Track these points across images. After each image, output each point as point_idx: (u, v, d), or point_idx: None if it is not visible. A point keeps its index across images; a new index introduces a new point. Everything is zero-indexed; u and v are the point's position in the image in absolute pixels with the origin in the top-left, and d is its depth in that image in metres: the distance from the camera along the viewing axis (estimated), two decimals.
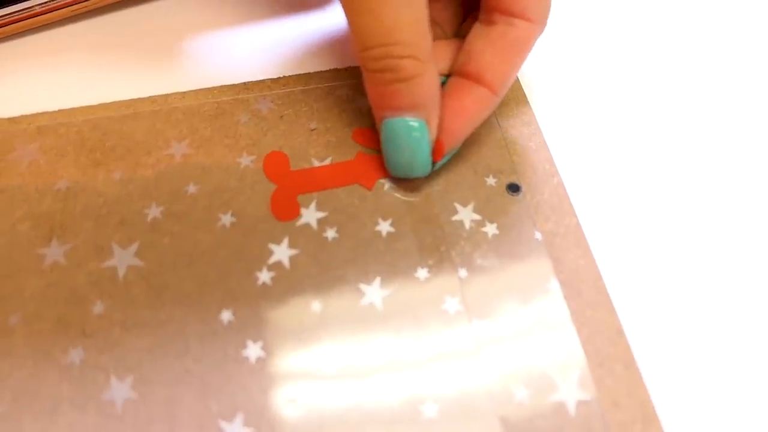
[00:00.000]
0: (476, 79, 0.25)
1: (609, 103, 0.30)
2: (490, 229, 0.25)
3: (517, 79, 0.29)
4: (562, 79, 0.30)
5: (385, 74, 0.23)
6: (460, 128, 0.25)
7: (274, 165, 0.26)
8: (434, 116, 0.24)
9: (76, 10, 0.29)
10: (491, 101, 0.25)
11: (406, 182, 0.26)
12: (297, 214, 0.25)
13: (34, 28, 0.29)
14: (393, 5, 0.22)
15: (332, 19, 0.32)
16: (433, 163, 0.25)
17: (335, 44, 0.30)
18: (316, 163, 0.26)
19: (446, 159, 0.25)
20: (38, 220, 0.24)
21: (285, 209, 0.25)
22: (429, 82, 0.23)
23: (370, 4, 0.22)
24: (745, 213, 0.27)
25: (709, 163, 0.28)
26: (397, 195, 0.25)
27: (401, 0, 0.22)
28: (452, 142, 0.25)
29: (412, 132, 0.24)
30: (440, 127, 0.24)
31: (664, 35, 0.32)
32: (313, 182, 0.25)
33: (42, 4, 0.29)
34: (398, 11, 0.22)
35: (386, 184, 0.26)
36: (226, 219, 0.25)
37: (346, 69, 0.29)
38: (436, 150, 0.24)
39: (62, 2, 0.29)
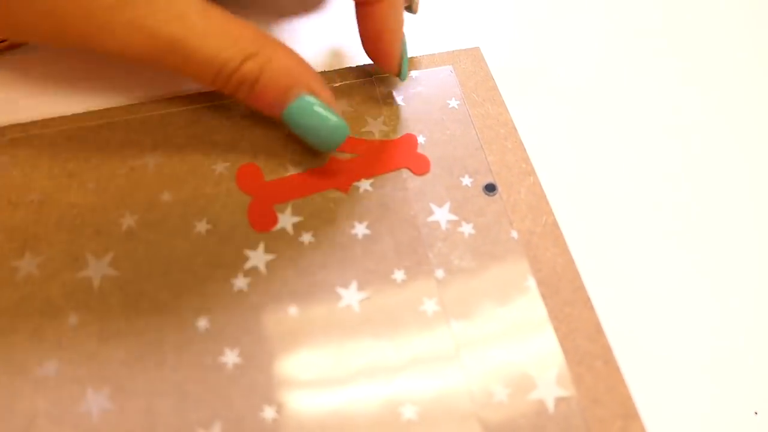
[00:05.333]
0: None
1: (584, 101, 0.30)
2: (467, 229, 0.25)
3: (493, 80, 0.29)
4: (537, 79, 0.30)
5: (242, 88, 0.24)
6: (389, 44, 0.26)
7: (248, 177, 0.25)
8: (312, 80, 0.24)
9: None
10: (397, 4, 0.25)
11: (382, 184, 0.26)
12: (275, 224, 0.25)
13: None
14: (194, 39, 0.22)
15: (308, 24, 0.32)
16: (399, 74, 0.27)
17: (309, 49, 0.30)
18: (291, 169, 0.26)
19: (406, 66, 0.27)
20: (11, 233, 0.24)
21: (262, 220, 0.25)
22: (280, 63, 0.24)
23: (181, 49, 0.23)
24: (719, 209, 0.27)
25: (683, 159, 0.28)
26: (373, 197, 0.25)
27: (198, 28, 0.23)
28: (393, 55, 0.26)
29: (311, 108, 0.24)
30: (372, 55, 0.26)
31: (638, 35, 0.32)
32: (289, 191, 0.25)
33: None
34: (203, 40, 0.23)
35: (362, 187, 0.25)
36: (202, 226, 0.24)
37: (322, 73, 0.29)
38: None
39: None
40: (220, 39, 0.23)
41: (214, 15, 0.23)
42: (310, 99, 0.24)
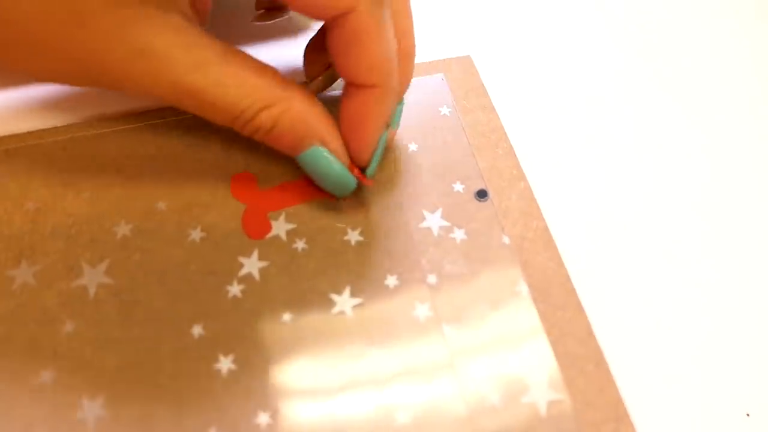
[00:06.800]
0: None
1: (573, 108, 0.30)
2: (459, 234, 0.25)
3: (483, 86, 0.29)
4: (527, 87, 0.31)
5: (258, 133, 0.24)
6: (362, 134, 0.25)
7: (242, 186, 0.26)
8: (325, 131, 0.24)
9: None
10: (384, 97, 0.24)
11: (374, 192, 0.26)
12: (268, 231, 0.25)
13: None
14: (212, 88, 0.23)
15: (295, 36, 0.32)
16: (364, 170, 0.25)
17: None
18: (285, 178, 0.26)
19: (375, 162, 0.25)
20: (7, 242, 0.24)
21: (256, 227, 0.25)
22: (294, 114, 0.24)
23: (200, 98, 0.23)
24: (709, 212, 0.27)
25: (672, 164, 0.28)
26: (366, 204, 0.26)
27: (216, 77, 0.23)
28: (363, 147, 0.25)
29: (320, 156, 0.24)
30: (344, 137, 0.25)
31: (628, 43, 0.33)
32: (283, 199, 0.26)
33: None
34: (221, 89, 0.23)
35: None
36: (196, 234, 0.25)
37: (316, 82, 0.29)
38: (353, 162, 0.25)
39: None
40: (238, 89, 0.23)
41: (234, 62, 0.23)
42: (321, 151, 0.24)
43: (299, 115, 0.24)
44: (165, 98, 0.23)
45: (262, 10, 0.29)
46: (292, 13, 0.31)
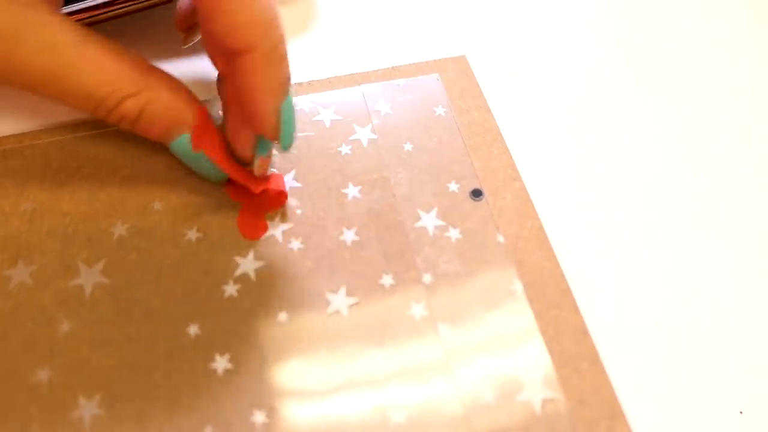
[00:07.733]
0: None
1: (568, 108, 0.30)
2: (454, 234, 0.25)
3: (478, 86, 0.29)
4: (522, 86, 0.31)
5: (123, 123, 0.24)
6: (254, 101, 0.23)
7: (238, 186, 0.26)
8: (193, 119, 0.24)
9: None
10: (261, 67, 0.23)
11: (370, 191, 0.26)
12: (265, 231, 0.25)
13: None
14: (67, 72, 0.22)
15: (299, 34, 0.32)
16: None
17: (300, 58, 0.31)
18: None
19: (287, 128, 0.24)
20: (4, 242, 0.24)
21: (252, 228, 0.25)
22: (160, 103, 0.23)
23: (54, 82, 0.22)
24: (703, 211, 0.27)
25: (667, 164, 0.29)
26: (362, 204, 0.26)
27: (71, 61, 0.22)
28: (259, 113, 0.23)
29: (186, 148, 0.24)
30: (246, 109, 0.23)
31: (623, 42, 0.33)
32: (279, 199, 0.26)
33: None
34: (77, 74, 0.22)
35: (350, 194, 0.26)
36: (192, 234, 0.25)
37: (309, 83, 0.29)
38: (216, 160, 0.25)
39: None
40: (97, 75, 0.22)
41: (92, 47, 0.22)
42: (184, 140, 0.24)
43: (165, 105, 0.23)
44: (23, 83, 0.23)
45: (184, 34, 0.29)
46: None
